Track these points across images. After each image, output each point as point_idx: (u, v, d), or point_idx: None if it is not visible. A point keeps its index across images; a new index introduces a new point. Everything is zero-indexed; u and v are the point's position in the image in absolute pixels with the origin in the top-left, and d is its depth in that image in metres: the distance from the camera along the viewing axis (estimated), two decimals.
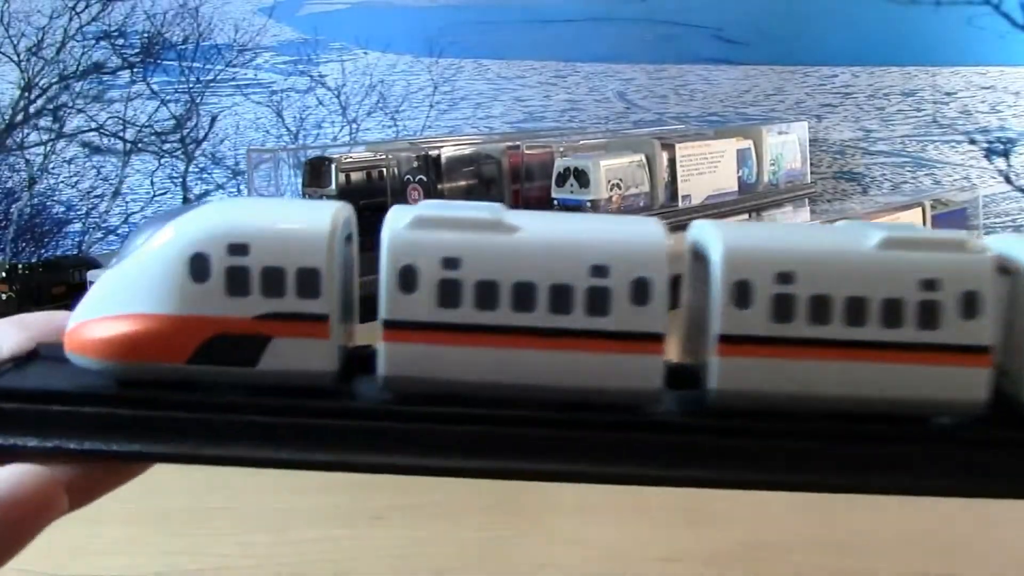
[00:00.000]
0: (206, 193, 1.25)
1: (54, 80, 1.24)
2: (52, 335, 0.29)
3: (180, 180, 1.26)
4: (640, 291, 0.26)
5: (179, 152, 1.25)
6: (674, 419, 0.27)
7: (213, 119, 1.25)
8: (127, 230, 1.25)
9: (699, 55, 1.24)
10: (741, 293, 0.26)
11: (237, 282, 0.26)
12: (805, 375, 0.27)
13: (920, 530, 0.49)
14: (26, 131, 1.24)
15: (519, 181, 0.92)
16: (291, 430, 0.27)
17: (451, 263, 0.26)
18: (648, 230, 0.27)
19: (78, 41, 1.24)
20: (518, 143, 0.93)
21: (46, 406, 0.26)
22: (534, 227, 0.27)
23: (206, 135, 1.25)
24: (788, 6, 1.23)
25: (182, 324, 0.26)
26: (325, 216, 0.27)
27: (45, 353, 0.29)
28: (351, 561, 0.48)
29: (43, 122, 1.24)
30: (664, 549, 0.48)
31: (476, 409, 0.27)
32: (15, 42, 1.23)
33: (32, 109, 1.24)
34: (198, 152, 1.25)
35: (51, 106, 1.24)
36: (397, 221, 0.27)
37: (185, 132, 1.25)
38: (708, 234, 0.27)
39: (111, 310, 0.26)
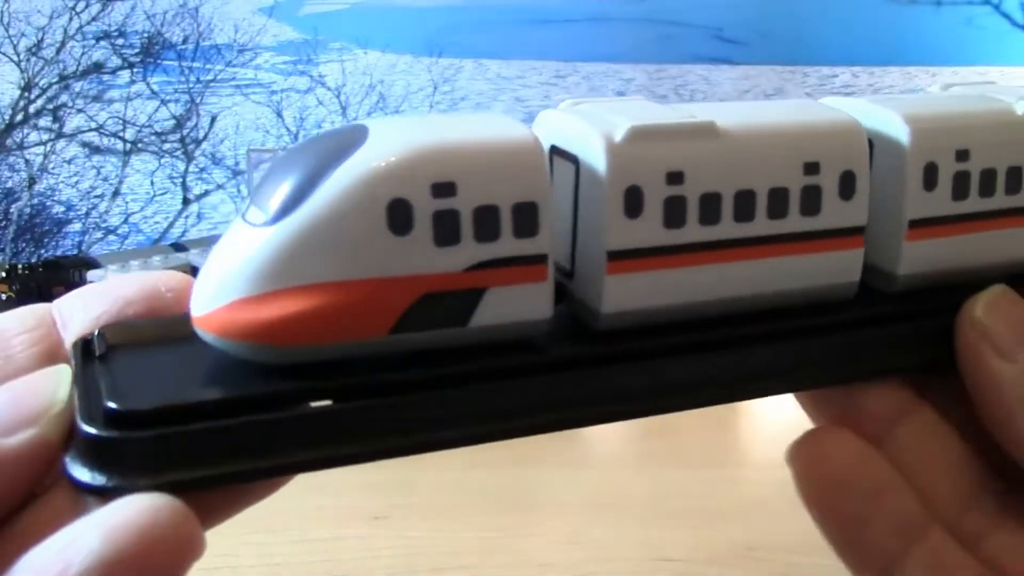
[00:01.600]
0: (206, 193, 1.25)
1: (54, 80, 1.24)
2: (124, 310, 0.25)
3: (180, 180, 1.25)
4: (847, 185, 0.25)
5: (179, 152, 1.25)
6: (877, 311, 0.27)
7: (213, 119, 1.25)
8: (127, 230, 1.25)
9: (699, 55, 1.24)
10: (929, 175, 0.26)
11: (446, 229, 0.22)
12: (983, 248, 0.27)
13: None
14: (26, 131, 1.24)
15: None
16: (524, 391, 0.23)
17: (675, 178, 0.24)
18: (840, 119, 0.26)
19: (78, 41, 1.24)
20: None
21: (230, 419, 0.21)
22: (741, 126, 0.25)
23: (206, 135, 1.25)
24: (788, 6, 1.23)
25: (384, 289, 0.22)
26: (526, 136, 0.23)
27: (115, 338, 0.24)
28: (351, 561, 0.48)
29: (43, 122, 1.24)
30: (664, 549, 0.48)
31: (707, 333, 0.25)
32: (15, 42, 1.23)
33: (32, 109, 1.24)
34: (198, 152, 1.25)
35: (51, 106, 1.24)
36: (607, 134, 0.23)
37: (185, 132, 1.25)
38: (876, 114, 0.27)
39: (280, 282, 0.21)
